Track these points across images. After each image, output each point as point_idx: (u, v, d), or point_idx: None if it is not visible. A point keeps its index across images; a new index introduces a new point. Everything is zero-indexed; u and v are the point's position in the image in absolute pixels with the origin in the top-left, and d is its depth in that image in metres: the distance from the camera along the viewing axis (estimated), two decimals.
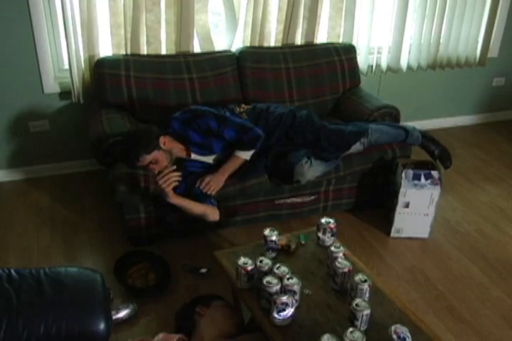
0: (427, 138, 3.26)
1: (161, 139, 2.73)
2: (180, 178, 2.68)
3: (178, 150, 2.84)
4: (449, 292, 2.75)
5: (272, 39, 3.61)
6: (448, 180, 3.31)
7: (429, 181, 2.96)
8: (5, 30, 3.18)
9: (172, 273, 2.75)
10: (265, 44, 3.59)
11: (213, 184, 2.79)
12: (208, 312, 2.21)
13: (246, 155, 2.89)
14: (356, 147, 3.04)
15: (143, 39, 3.31)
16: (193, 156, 2.88)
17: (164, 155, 2.73)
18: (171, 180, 2.63)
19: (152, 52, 3.36)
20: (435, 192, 2.94)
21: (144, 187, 2.74)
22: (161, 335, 2.11)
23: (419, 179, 2.96)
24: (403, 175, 2.95)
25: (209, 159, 2.93)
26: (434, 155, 3.24)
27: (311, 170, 2.89)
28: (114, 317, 2.35)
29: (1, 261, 2.85)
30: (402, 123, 3.38)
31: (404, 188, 2.95)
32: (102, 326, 1.82)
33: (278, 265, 2.10)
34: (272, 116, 3.03)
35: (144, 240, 2.98)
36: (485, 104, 4.68)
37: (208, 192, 2.78)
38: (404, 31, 3.89)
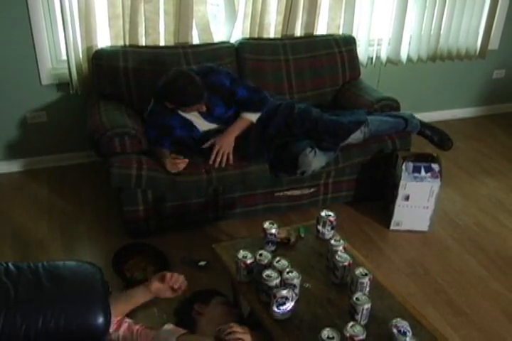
0: (422, 125, 3.25)
1: None
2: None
3: None
4: (448, 285, 2.75)
5: (272, 30, 3.58)
6: (447, 173, 3.29)
7: (429, 174, 2.95)
8: (2, 20, 3.15)
9: (170, 266, 2.74)
10: (264, 35, 3.56)
11: (225, 149, 2.85)
12: (206, 310, 2.19)
13: (253, 117, 2.94)
14: (357, 135, 3.01)
15: (141, 30, 3.29)
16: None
17: None
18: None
19: (151, 43, 3.33)
20: (435, 184, 2.93)
21: (136, 169, 2.73)
22: (171, 326, 2.09)
23: (419, 172, 2.95)
24: (403, 167, 2.94)
25: (205, 125, 2.96)
26: (434, 141, 3.25)
27: (316, 159, 2.86)
28: None
29: None
30: None
31: (404, 181, 2.94)
32: (100, 320, 1.80)
33: (278, 258, 2.09)
34: (271, 101, 3.05)
35: (143, 232, 2.97)
36: (485, 97, 4.66)
37: (228, 162, 2.86)
38: (404, 23, 3.87)
